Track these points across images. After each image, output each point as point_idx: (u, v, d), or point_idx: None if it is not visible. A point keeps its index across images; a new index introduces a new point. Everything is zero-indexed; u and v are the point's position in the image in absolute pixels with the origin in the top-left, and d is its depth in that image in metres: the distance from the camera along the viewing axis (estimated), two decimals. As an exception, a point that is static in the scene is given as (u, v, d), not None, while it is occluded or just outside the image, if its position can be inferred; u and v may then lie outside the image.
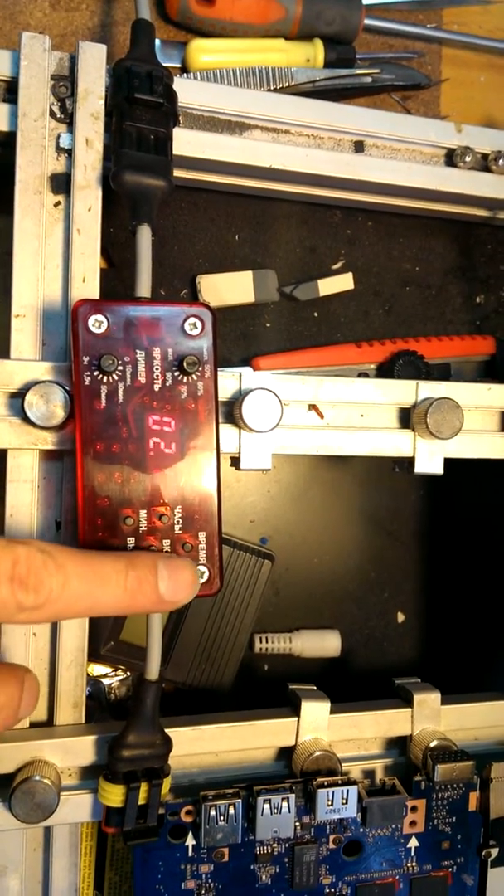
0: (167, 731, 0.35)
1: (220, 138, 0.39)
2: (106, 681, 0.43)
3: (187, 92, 0.37)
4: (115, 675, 0.43)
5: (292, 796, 0.33)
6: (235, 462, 0.36)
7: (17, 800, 0.33)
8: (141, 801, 0.32)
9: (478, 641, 0.48)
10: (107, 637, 0.42)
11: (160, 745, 0.33)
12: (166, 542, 0.31)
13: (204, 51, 0.43)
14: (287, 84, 0.44)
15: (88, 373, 0.30)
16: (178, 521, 0.31)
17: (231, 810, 0.33)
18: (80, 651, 0.35)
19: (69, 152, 0.36)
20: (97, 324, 0.30)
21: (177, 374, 0.31)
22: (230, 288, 0.43)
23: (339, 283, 0.45)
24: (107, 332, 0.30)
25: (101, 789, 0.32)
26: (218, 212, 0.44)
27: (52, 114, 0.35)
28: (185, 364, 0.30)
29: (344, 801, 0.33)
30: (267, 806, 0.33)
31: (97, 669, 0.43)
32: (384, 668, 0.47)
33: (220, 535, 0.32)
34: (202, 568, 0.31)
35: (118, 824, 0.32)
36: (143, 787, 0.32)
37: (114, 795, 0.32)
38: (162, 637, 0.43)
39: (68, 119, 0.36)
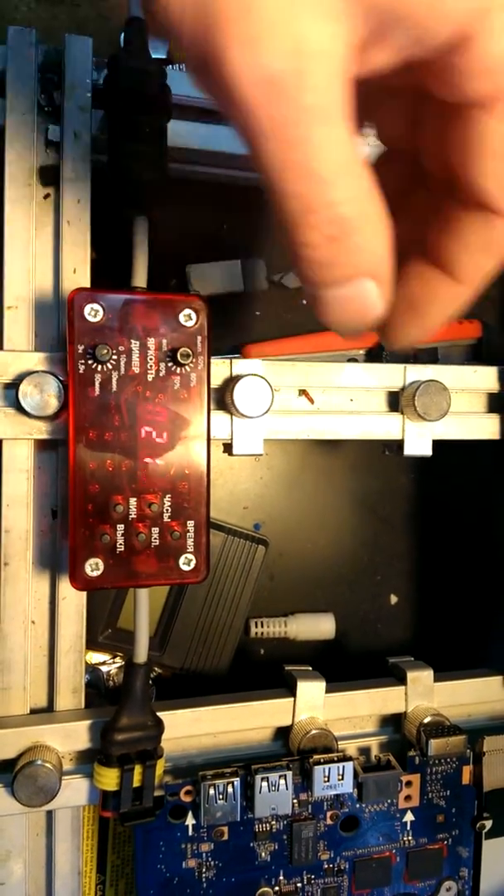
0: (165, 714, 0.36)
1: (210, 128, 0.39)
2: (104, 668, 0.44)
3: (176, 83, 0.38)
4: (114, 662, 0.44)
5: (289, 774, 0.34)
6: (228, 448, 0.37)
7: (19, 784, 0.33)
8: (136, 783, 0.33)
9: (469, 620, 0.49)
10: (104, 624, 0.43)
11: (152, 727, 0.33)
12: (155, 530, 0.31)
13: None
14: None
15: (83, 361, 0.31)
16: (167, 510, 0.32)
17: (229, 789, 0.33)
18: (79, 637, 0.36)
19: (57, 145, 0.36)
20: (93, 312, 0.31)
21: (170, 364, 0.32)
22: (219, 277, 0.44)
23: (326, 271, 0.45)
24: (102, 320, 0.31)
25: (95, 773, 0.33)
26: (206, 201, 0.44)
27: (40, 107, 0.36)
28: (178, 355, 0.31)
29: (340, 777, 0.34)
30: (265, 784, 0.34)
31: (95, 657, 0.44)
32: (378, 649, 0.48)
33: (209, 523, 0.33)
34: (189, 556, 0.32)
35: (115, 807, 0.33)
36: (138, 769, 0.33)
37: (108, 779, 0.33)
38: (158, 623, 0.44)
39: (56, 112, 0.36)
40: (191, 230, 0.44)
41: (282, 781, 0.34)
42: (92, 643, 0.42)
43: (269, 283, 0.45)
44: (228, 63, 0.15)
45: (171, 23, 0.15)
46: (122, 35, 0.42)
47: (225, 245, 0.45)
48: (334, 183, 0.17)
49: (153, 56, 0.42)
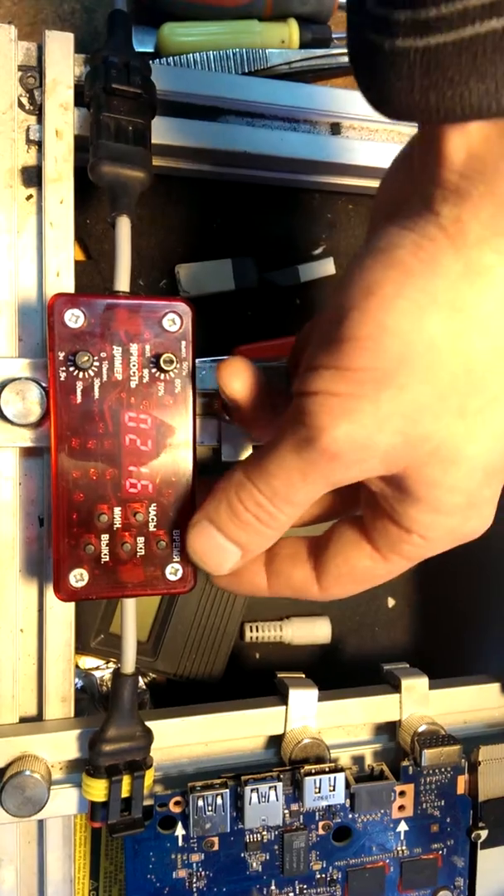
0: (156, 722, 0.35)
1: (194, 124, 0.38)
2: (97, 673, 0.43)
3: (159, 78, 0.37)
4: (106, 668, 0.44)
5: (280, 785, 0.33)
6: (216, 454, 0.36)
7: (7, 794, 0.33)
8: (125, 794, 0.32)
9: (467, 624, 0.48)
10: (96, 630, 0.42)
11: (140, 738, 0.33)
12: (141, 540, 0.31)
13: (176, 35, 0.42)
14: (262, 66, 0.43)
15: (64, 368, 0.30)
16: (152, 519, 0.31)
17: (219, 800, 0.33)
18: (67, 646, 0.36)
19: (39, 144, 0.35)
20: (73, 318, 0.30)
21: (154, 370, 0.31)
22: (209, 276, 0.43)
23: (320, 269, 0.44)
24: (83, 326, 0.30)
25: (84, 784, 0.33)
26: (194, 199, 0.43)
27: (21, 105, 0.35)
28: (161, 362, 0.30)
29: (331, 788, 0.34)
30: (254, 795, 0.33)
31: (88, 662, 0.44)
32: (375, 653, 0.47)
33: None
34: (176, 566, 0.31)
35: (103, 818, 0.32)
36: (126, 779, 0.32)
37: (97, 790, 0.32)
38: (151, 628, 0.44)
39: (37, 110, 0.35)
40: (179, 229, 0.43)
41: (272, 792, 0.33)
42: (84, 649, 0.42)
43: (260, 281, 0.44)
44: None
45: None
46: (107, 26, 0.41)
47: (214, 244, 0.44)
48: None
49: (137, 50, 0.41)
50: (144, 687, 0.44)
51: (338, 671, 0.46)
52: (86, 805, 0.35)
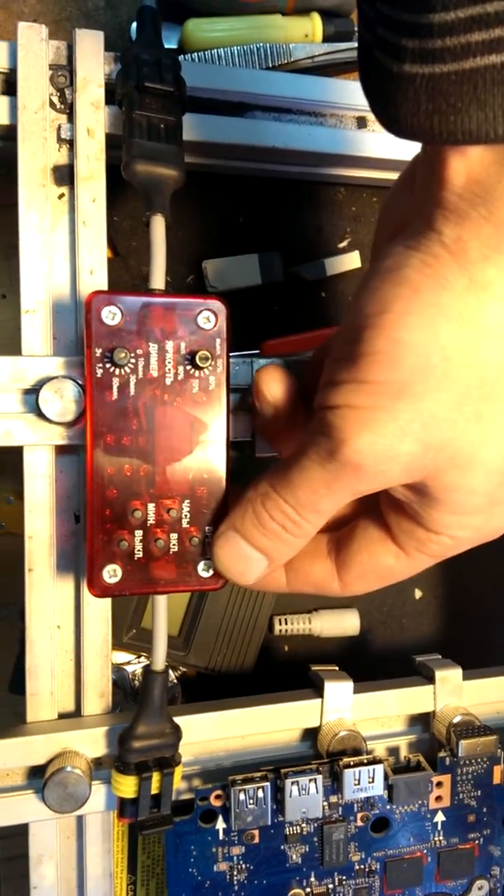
0: (192, 717, 0.36)
1: (222, 120, 0.38)
2: (129, 668, 0.44)
3: (187, 75, 0.37)
4: (138, 662, 0.44)
5: (319, 777, 0.34)
6: (250, 449, 0.36)
7: (50, 791, 0.33)
8: (154, 791, 0.33)
9: (493, 615, 0.48)
10: (128, 625, 0.43)
11: (170, 735, 0.33)
12: (174, 536, 0.31)
13: (201, 30, 0.42)
14: (286, 61, 0.43)
15: (101, 365, 0.30)
16: (185, 515, 0.31)
17: (260, 793, 0.33)
18: (105, 641, 0.36)
19: (70, 143, 0.35)
20: (111, 315, 0.30)
21: (189, 367, 0.31)
22: (236, 271, 0.43)
23: (346, 262, 0.44)
24: (120, 323, 0.30)
25: (113, 781, 0.33)
26: (220, 195, 0.44)
27: (52, 104, 0.35)
28: (197, 359, 0.30)
29: (370, 779, 0.34)
30: (295, 788, 0.33)
31: (119, 657, 0.44)
32: (403, 644, 0.47)
33: None
34: (208, 562, 0.31)
35: (132, 814, 0.33)
36: (156, 776, 0.32)
37: (126, 786, 0.32)
38: (182, 622, 0.44)
39: (68, 109, 0.35)
40: (204, 225, 0.44)
41: (312, 785, 0.33)
42: (116, 643, 0.42)
43: (286, 275, 0.44)
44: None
45: None
46: (135, 25, 0.41)
47: (240, 239, 0.44)
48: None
49: (166, 47, 0.41)
50: (175, 681, 0.44)
51: (367, 663, 0.46)
52: (125, 800, 0.35)
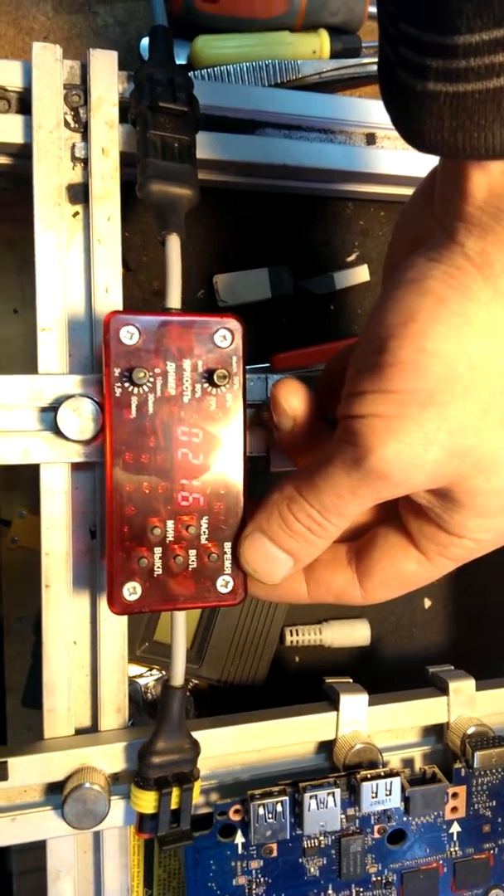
0: (208, 731, 0.36)
1: (233, 138, 0.38)
2: (141, 681, 0.44)
3: (199, 93, 0.37)
4: (150, 675, 0.44)
5: (337, 791, 0.34)
6: (264, 464, 0.36)
7: (69, 807, 0.33)
8: (173, 806, 0.33)
9: (502, 624, 0.49)
10: (141, 638, 0.43)
11: (189, 750, 0.33)
12: (192, 552, 0.31)
13: (210, 47, 0.42)
14: (294, 77, 0.43)
15: (119, 384, 0.30)
16: (204, 532, 0.31)
17: (279, 807, 0.33)
18: (121, 657, 0.36)
19: (85, 161, 0.35)
20: (129, 335, 0.30)
21: (206, 385, 0.31)
22: (246, 286, 0.43)
23: (355, 276, 0.45)
24: (138, 343, 0.30)
25: (133, 796, 0.33)
26: (229, 210, 0.44)
27: (67, 123, 0.35)
28: (215, 377, 0.31)
29: (388, 792, 0.34)
30: (313, 801, 0.34)
31: (132, 670, 0.44)
32: (413, 654, 0.48)
33: None
34: (227, 578, 0.32)
35: (152, 830, 0.33)
36: (175, 791, 0.33)
37: (146, 802, 0.33)
38: (195, 635, 0.44)
39: (82, 128, 0.35)
40: (215, 240, 0.44)
41: (330, 798, 0.34)
42: (130, 656, 0.42)
43: (296, 289, 0.44)
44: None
45: None
46: (147, 43, 0.41)
47: (250, 253, 0.44)
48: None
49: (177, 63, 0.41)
50: (188, 694, 0.45)
51: (377, 673, 0.46)
52: (145, 815, 0.35)
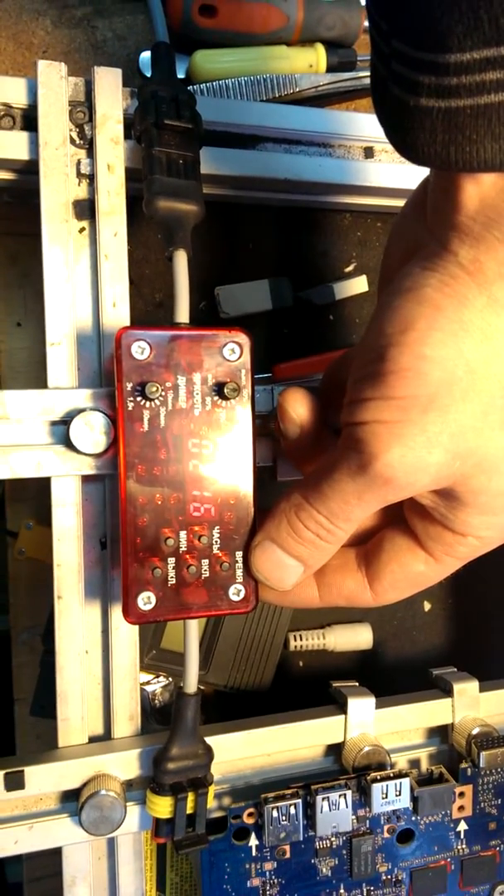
0: (219, 737, 0.36)
1: (234, 153, 0.39)
2: (148, 688, 0.44)
3: (200, 108, 0.38)
4: (157, 682, 0.45)
5: (349, 792, 0.35)
6: (270, 474, 0.37)
7: (86, 815, 0.34)
8: (189, 811, 0.33)
9: (500, 625, 0.50)
10: (149, 646, 0.43)
11: (203, 755, 0.34)
12: (205, 562, 0.32)
13: (208, 61, 0.43)
14: (292, 91, 0.44)
15: (132, 398, 0.31)
16: (216, 541, 0.32)
17: (292, 810, 0.34)
18: (133, 665, 0.37)
19: (91, 178, 0.36)
20: (140, 350, 0.31)
21: (215, 398, 0.32)
22: (247, 297, 0.44)
23: (353, 286, 0.46)
24: (149, 358, 0.31)
25: (149, 802, 0.34)
26: (230, 223, 0.44)
27: (72, 140, 0.36)
28: (225, 390, 0.31)
29: (397, 793, 0.35)
30: (325, 803, 0.34)
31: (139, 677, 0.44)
32: (415, 656, 0.49)
33: None
34: (238, 586, 0.32)
35: (168, 834, 0.33)
36: (191, 796, 0.33)
37: (162, 807, 0.33)
38: (201, 642, 0.45)
39: (88, 144, 0.36)
40: (215, 252, 0.44)
41: (342, 800, 0.35)
42: (137, 664, 0.43)
43: (296, 300, 0.45)
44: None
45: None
46: (147, 57, 0.42)
47: (250, 265, 0.45)
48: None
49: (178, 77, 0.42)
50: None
51: (380, 676, 0.47)
52: (157, 820, 0.36)
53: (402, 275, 0.25)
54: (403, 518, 0.30)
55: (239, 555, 0.32)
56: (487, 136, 0.21)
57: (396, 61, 0.22)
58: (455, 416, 0.24)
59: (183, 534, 0.32)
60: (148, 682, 0.45)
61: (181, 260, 0.33)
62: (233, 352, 0.32)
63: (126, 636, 0.36)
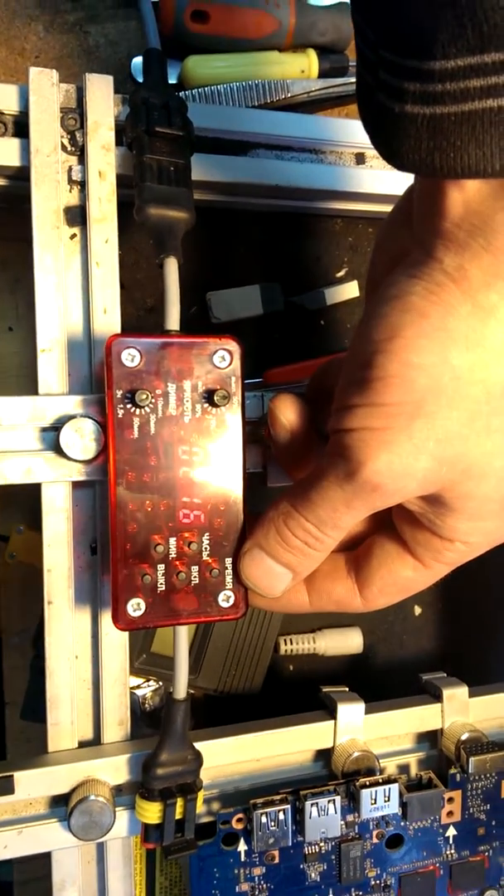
0: (209, 742, 0.37)
1: (225, 160, 0.39)
2: (139, 692, 0.45)
3: (192, 115, 0.38)
4: (148, 686, 0.45)
5: (337, 798, 0.35)
6: (261, 480, 0.37)
7: (75, 820, 0.34)
8: (178, 816, 0.34)
9: (491, 629, 0.50)
10: (139, 650, 0.44)
11: (192, 761, 0.34)
12: (195, 568, 0.32)
13: (201, 67, 0.43)
14: (283, 96, 0.44)
15: (122, 405, 0.31)
16: (205, 548, 0.32)
17: (281, 815, 0.34)
18: (122, 670, 0.37)
19: (82, 185, 0.36)
20: (130, 357, 0.31)
21: (206, 405, 0.32)
22: (238, 302, 0.44)
23: (345, 292, 0.46)
24: (139, 365, 0.31)
25: (138, 807, 0.34)
26: (221, 228, 0.45)
27: (63, 147, 0.36)
28: (215, 397, 0.31)
29: (386, 798, 0.35)
30: (314, 809, 0.34)
31: (130, 681, 0.44)
32: (405, 660, 0.49)
33: None
34: (228, 593, 0.32)
35: (157, 840, 0.34)
36: (179, 802, 0.33)
37: (151, 813, 0.33)
38: (191, 646, 0.45)
39: (79, 151, 0.36)
40: (207, 257, 0.44)
41: (330, 806, 0.35)
42: (127, 669, 0.43)
43: (287, 305, 0.45)
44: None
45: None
46: (139, 63, 0.42)
47: (241, 271, 0.45)
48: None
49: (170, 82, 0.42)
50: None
51: (370, 680, 0.47)
52: (146, 825, 0.36)
53: (388, 283, 0.25)
54: (392, 524, 0.30)
55: (229, 561, 0.32)
56: (471, 143, 0.21)
57: (383, 69, 0.22)
58: (441, 422, 0.24)
59: (173, 540, 0.32)
60: (138, 686, 0.45)
61: (172, 267, 0.33)
62: (223, 359, 0.32)
63: (116, 641, 0.37)
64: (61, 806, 0.35)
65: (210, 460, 0.32)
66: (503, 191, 0.22)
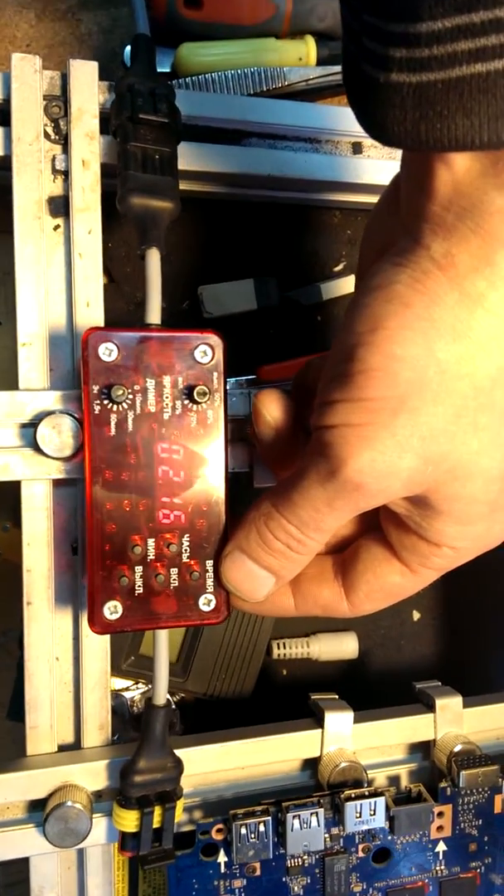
0: (192, 749, 0.36)
1: (218, 149, 0.38)
2: (127, 694, 0.44)
3: (182, 103, 0.37)
4: (136, 688, 0.44)
5: (321, 810, 0.34)
6: (247, 480, 0.36)
7: (50, 826, 0.33)
8: (156, 825, 0.32)
9: (492, 636, 0.48)
10: (127, 651, 0.43)
11: (171, 769, 0.33)
12: (174, 571, 0.31)
13: (195, 55, 0.42)
14: (280, 84, 0.43)
15: (98, 401, 0.30)
16: (185, 550, 0.31)
17: (261, 827, 0.33)
18: (104, 674, 0.36)
19: (65, 174, 0.35)
20: (107, 352, 0.30)
21: (186, 401, 0.31)
22: (232, 296, 0.43)
23: (342, 286, 0.44)
24: (117, 359, 0.30)
25: (115, 815, 0.33)
26: (214, 220, 0.43)
27: (47, 135, 0.35)
28: (195, 394, 0.30)
29: (372, 812, 0.34)
30: (296, 821, 0.33)
31: (118, 683, 0.44)
32: (401, 667, 0.47)
33: None
34: (209, 596, 0.31)
35: (134, 848, 0.32)
36: (157, 810, 0.32)
37: (128, 821, 0.32)
38: (180, 649, 0.44)
39: (63, 140, 0.35)
40: (199, 250, 0.43)
41: (313, 818, 0.33)
42: (115, 670, 0.42)
43: (282, 300, 0.44)
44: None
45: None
46: (129, 52, 0.41)
47: (235, 264, 0.44)
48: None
49: (159, 71, 0.41)
50: (174, 707, 0.44)
51: (365, 686, 0.46)
52: (125, 833, 0.35)
53: (373, 272, 0.24)
54: (380, 527, 0.29)
55: (210, 564, 0.31)
56: (459, 112, 0.20)
57: (367, 37, 0.21)
58: (426, 418, 0.23)
59: (151, 541, 0.31)
60: (126, 689, 0.44)
61: (154, 258, 0.32)
62: (205, 354, 0.31)
63: (97, 644, 0.36)
64: (39, 811, 0.35)
65: (191, 459, 0.31)
66: (493, 167, 0.21)
